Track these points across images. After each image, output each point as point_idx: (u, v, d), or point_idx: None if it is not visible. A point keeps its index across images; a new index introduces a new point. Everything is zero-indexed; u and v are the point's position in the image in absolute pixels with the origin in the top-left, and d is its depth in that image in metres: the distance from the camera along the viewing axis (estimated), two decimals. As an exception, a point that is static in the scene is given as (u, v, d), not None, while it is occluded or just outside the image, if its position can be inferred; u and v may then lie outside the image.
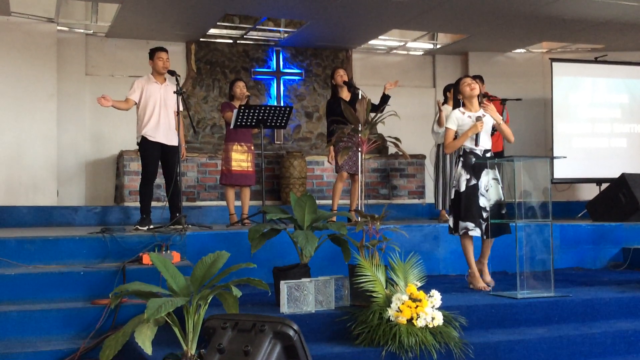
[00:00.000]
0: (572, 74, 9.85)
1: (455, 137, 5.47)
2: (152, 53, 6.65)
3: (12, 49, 8.50)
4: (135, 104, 6.56)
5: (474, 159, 5.39)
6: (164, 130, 6.56)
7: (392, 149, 9.27)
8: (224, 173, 7.13)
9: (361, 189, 5.79)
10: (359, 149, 5.85)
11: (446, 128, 5.54)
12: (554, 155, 9.15)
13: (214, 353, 3.30)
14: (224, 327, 3.37)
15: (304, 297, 4.48)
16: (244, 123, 6.68)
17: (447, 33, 10.15)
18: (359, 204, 5.96)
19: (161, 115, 6.55)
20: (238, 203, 7.23)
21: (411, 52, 10.74)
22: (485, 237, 5.37)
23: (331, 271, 4.97)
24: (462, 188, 5.38)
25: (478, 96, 5.55)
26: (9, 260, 5.14)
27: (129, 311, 4.61)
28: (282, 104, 9.62)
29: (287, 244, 5.22)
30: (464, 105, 5.53)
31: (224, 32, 9.63)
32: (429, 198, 9.18)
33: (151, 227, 6.32)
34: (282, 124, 6.84)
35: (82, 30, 9.18)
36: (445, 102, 7.77)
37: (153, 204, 6.68)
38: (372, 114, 6.08)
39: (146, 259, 5.15)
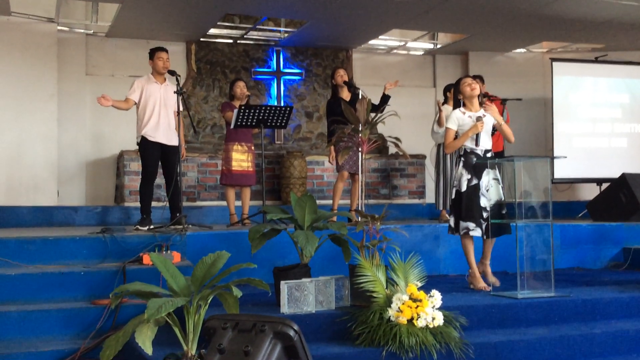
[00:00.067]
0: (573, 74, 9.85)
1: (456, 137, 5.47)
2: (152, 53, 6.65)
3: (13, 49, 8.50)
4: (135, 103, 6.56)
5: (475, 159, 5.39)
6: (164, 130, 6.55)
7: (392, 149, 9.28)
8: (224, 173, 7.13)
9: (361, 189, 5.79)
10: (359, 149, 5.85)
11: (447, 128, 5.53)
12: (555, 155, 9.15)
13: (214, 353, 3.30)
14: (224, 327, 3.37)
15: (305, 297, 4.48)
16: (244, 123, 6.68)
17: (447, 33, 10.15)
18: (359, 204, 5.96)
19: (161, 115, 6.55)
20: (238, 203, 7.23)
21: (411, 52, 10.74)
22: (485, 237, 5.38)
23: (331, 271, 4.97)
24: (464, 188, 5.38)
25: (478, 96, 5.55)
26: (9, 260, 5.13)
27: (129, 311, 4.61)
28: (282, 104, 9.62)
29: (287, 244, 5.22)
30: (464, 105, 5.53)
31: (224, 32, 9.63)
32: (430, 198, 9.18)
33: (151, 227, 6.32)
34: (283, 124, 6.84)
35: (82, 30, 9.18)
36: (445, 102, 7.76)
37: (153, 204, 6.68)
38: (373, 114, 6.07)
39: (146, 259, 5.14)
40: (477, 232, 5.31)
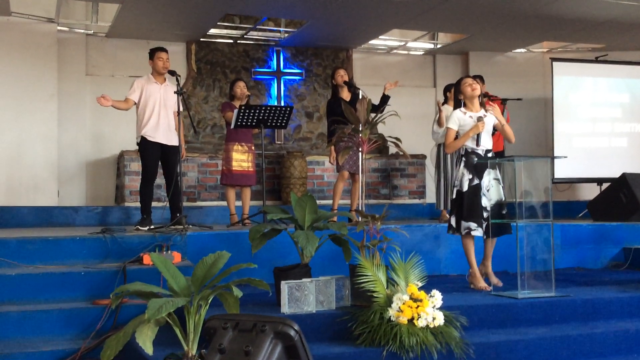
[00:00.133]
0: (573, 74, 9.85)
1: (456, 137, 5.47)
2: (152, 53, 6.65)
3: (13, 49, 8.51)
4: (135, 104, 6.55)
5: (475, 159, 5.39)
6: (164, 130, 6.55)
7: (392, 149, 9.27)
8: (224, 173, 7.13)
9: (362, 188, 5.79)
10: (360, 149, 5.84)
11: (448, 128, 5.53)
12: (555, 155, 9.15)
13: (214, 353, 3.30)
14: (224, 327, 3.37)
15: (305, 297, 4.48)
16: (244, 123, 6.68)
17: (447, 33, 10.16)
18: (359, 204, 5.96)
19: (161, 116, 6.55)
20: (239, 203, 7.23)
21: (411, 52, 10.74)
22: (485, 236, 5.38)
23: (332, 271, 4.96)
24: (465, 188, 5.38)
25: (479, 96, 5.55)
26: (10, 261, 5.13)
27: (129, 311, 4.61)
28: (282, 104, 9.62)
29: (287, 244, 5.21)
30: (465, 106, 5.53)
31: (224, 32, 9.63)
32: (430, 198, 9.19)
33: (152, 227, 6.32)
34: (283, 124, 6.84)
35: (82, 31, 9.18)
36: (445, 102, 7.76)
37: (153, 204, 6.68)
38: (373, 114, 6.07)
39: (147, 259, 5.15)
40: (478, 232, 5.31)
